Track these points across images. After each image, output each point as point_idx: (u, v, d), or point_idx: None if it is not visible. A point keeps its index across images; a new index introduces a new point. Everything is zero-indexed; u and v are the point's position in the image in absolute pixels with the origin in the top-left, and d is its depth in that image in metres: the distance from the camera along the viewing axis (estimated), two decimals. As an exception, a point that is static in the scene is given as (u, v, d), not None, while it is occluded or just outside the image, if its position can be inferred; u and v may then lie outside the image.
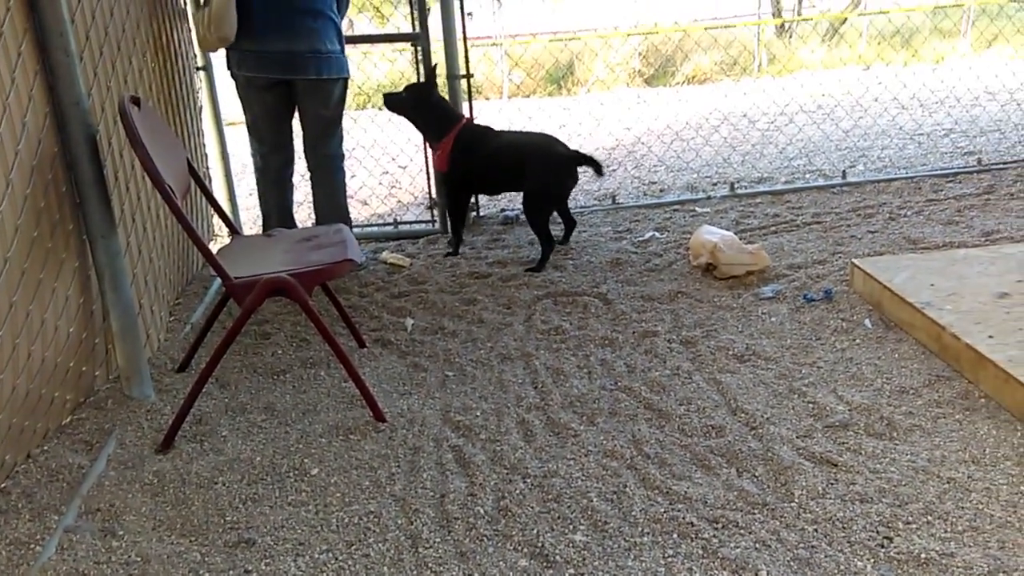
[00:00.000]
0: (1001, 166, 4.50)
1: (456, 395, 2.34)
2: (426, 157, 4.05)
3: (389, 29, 9.04)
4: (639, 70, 11.02)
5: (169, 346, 2.76)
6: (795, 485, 1.79)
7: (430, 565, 1.62)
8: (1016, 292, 2.52)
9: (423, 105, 3.49)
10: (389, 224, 4.35)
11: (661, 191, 4.68)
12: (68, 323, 2.19)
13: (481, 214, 4.30)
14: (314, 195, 3.47)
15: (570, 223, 3.72)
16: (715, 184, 4.71)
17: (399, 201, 4.99)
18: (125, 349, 2.34)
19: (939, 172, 4.46)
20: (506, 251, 3.66)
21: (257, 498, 1.88)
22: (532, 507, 1.78)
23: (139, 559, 1.67)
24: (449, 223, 3.77)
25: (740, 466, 1.89)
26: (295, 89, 3.24)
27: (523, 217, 4.11)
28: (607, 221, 4.06)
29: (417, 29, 3.80)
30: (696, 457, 1.95)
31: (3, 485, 1.91)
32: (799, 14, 13.89)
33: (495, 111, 7.90)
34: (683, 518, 1.70)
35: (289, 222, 3.48)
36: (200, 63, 3.70)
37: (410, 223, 4.32)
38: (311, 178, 3.45)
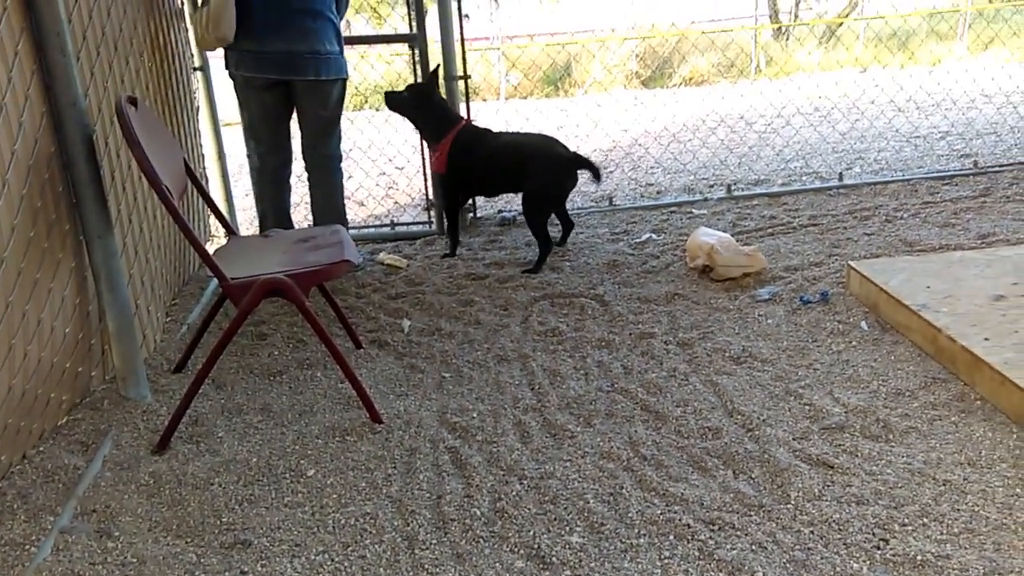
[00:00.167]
0: (997, 169, 4.52)
1: (453, 396, 2.34)
2: (423, 158, 4.05)
3: (386, 30, 9.03)
4: (636, 72, 11.04)
5: (165, 347, 2.75)
6: (791, 487, 1.79)
7: (426, 566, 1.62)
8: (1012, 294, 2.53)
9: (424, 105, 3.50)
10: (386, 225, 4.35)
11: (658, 193, 4.69)
12: (64, 323, 2.18)
13: (478, 215, 4.30)
14: (312, 196, 3.46)
15: (568, 225, 3.72)
16: (712, 186, 4.72)
17: (396, 202, 4.99)
18: (121, 350, 2.33)
19: (935, 175, 4.47)
20: (503, 252, 3.66)
21: (253, 499, 1.87)
22: (528, 509, 1.78)
23: (135, 560, 1.67)
24: (446, 224, 3.77)
25: (736, 468, 1.90)
26: (294, 90, 3.24)
27: (520, 218, 4.12)
28: (604, 223, 4.07)
29: (414, 30, 3.81)
30: (692, 459, 1.95)
31: (-2, 486, 1.91)
32: (796, 17, 13.92)
33: (492, 112, 7.91)
34: (679, 520, 1.70)
35: (286, 223, 3.48)
36: (197, 63, 3.70)
37: (407, 224, 4.32)
38: (309, 179, 3.44)
